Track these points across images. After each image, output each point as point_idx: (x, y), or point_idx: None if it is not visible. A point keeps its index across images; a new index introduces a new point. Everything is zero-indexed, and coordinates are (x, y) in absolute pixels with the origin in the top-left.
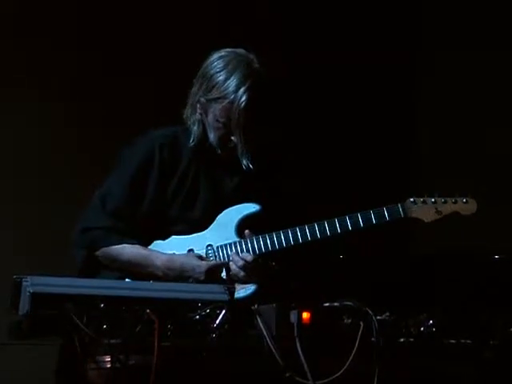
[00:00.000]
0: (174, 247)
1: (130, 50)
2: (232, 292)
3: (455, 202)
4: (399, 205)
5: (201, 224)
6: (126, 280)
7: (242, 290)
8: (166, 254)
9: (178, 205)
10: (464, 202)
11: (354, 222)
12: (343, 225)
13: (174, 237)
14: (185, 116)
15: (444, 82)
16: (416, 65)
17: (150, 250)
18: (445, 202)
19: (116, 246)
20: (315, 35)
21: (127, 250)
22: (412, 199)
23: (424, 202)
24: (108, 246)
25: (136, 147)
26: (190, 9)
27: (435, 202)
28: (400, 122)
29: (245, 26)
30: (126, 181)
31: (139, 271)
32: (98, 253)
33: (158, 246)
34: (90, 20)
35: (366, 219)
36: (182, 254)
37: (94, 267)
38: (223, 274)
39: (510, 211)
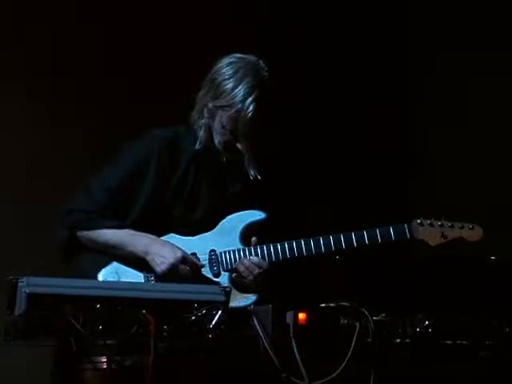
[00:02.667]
0: None
1: (131, 50)
2: (228, 292)
3: (462, 228)
4: (405, 225)
5: (202, 226)
6: (122, 280)
7: (243, 300)
8: (145, 240)
9: (179, 207)
10: (470, 228)
11: (360, 240)
12: (348, 241)
13: (177, 236)
14: (192, 120)
15: (442, 84)
16: (413, 66)
17: (128, 236)
18: (451, 227)
19: (96, 231)
20: (314, 36)
21: (105, 236)
22: (419, 220)
23: (431, 225)
24: (89, 229)
25: (136, 146)
26: (190, 9)
27: (442, 226)
28: (399, 132)
29: (245, 25)
30: (119, 177)
31: (117, 253)
32: (79, 234)
33: None
34: (91, 20)
35: (372, 237)
36: (163, 242)
37: (76, 249)
38: (221, 280)
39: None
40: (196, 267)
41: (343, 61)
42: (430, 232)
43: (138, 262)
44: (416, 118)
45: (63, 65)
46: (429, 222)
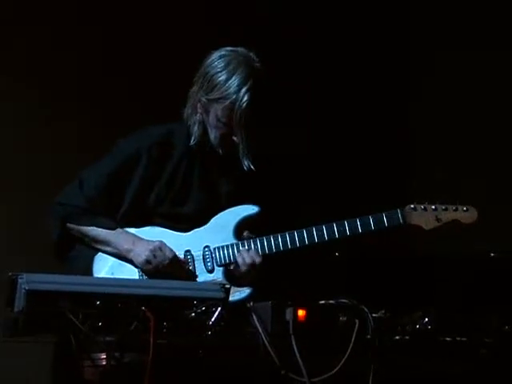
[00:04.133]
0: (170, 245)
1: (130, 50)
2: (228, 289)
3: (456, 210)
4: (398, 211)
5: (193, 221)
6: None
7: (237, 293)
8: (130, 239)
9: (168, 202)
10: (465, 210)
11: (353, 228)
12: (341, 230)
13: (169, 232)
14: (185, 116)
15: (439, 84)
16: (411, 66)
17: (116, 234)
18: (445, 210)
19: (85, 227)
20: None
21: (94, 232)
22: (412, 205)
23: (424, 209)
24: (78, 225)
25: (128, 143)
26: (190, 8)
27: (436, 209)
28: (396, 124)
29: (245, 25)
30: (108, 172)
31: (104, 249)
32: (69, 225)
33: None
34: (91, 20)
35: (365, 225)
36: (146, 240)
37: (69, 240)
38: (215, 276)
39: (508, 212)
40: (173, 258)
41: (343, 60)
42: (423, 216)
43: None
44: (416, 117)
45: (63, 65)
46: (422, 206)
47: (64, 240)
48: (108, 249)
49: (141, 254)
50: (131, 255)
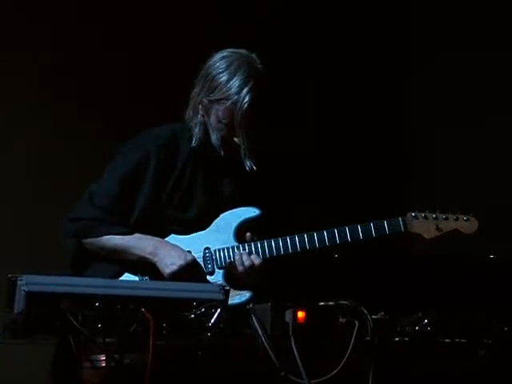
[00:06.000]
0: None
1: (131, 50)
2: (227, 291)
3: (456, 219)
4: (400, 218)
5: (196, 225)
6: (121, 277)
7: (238, 297)
8: (152, 242)
9: (174, 205)
10: (465, 220)
11: (354, 234)
12: (343, 236)
13: (172, 235)
14: (186, 117)
15: (439, 84)
16: (411, 67)
17: (135, 239)
18: (446, 219)
19: (102, 237)
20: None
21: (112, 241)
22: (413, 213)
23: (425, 218)
24: (95, 237)
25: (134, 146)
26: (190, 8)
27: (436, 218)
28: (396, 124)
29: (245, 25)
30: (119, 178)
31: (125, 257)
32: (85, 241)
33: None
34: (91, 19)
35: (366, 232)
36: (171, 244)
37: (84, 259)
38: (215, 278)
39: (508, 213)
40: (203, 272)
41: (343, 60)
42: (424, 225)
43: (145, 266)
44: (415, 117)
45: (63, 65)
46: (423, 214)
47: (77, 263)
48: (130, 256)
49: (164, 268)
50: (155, 260)
